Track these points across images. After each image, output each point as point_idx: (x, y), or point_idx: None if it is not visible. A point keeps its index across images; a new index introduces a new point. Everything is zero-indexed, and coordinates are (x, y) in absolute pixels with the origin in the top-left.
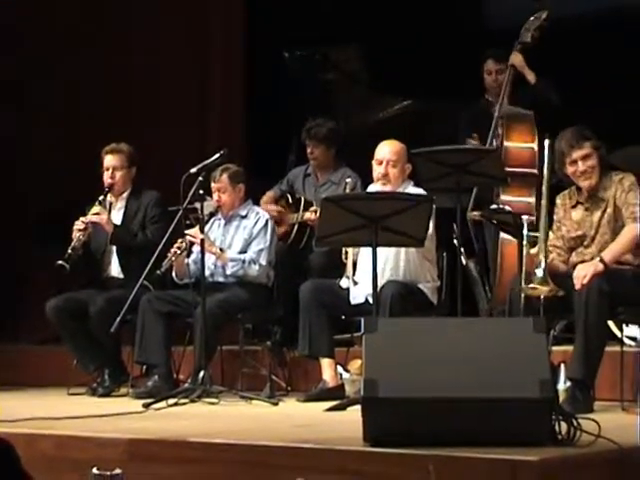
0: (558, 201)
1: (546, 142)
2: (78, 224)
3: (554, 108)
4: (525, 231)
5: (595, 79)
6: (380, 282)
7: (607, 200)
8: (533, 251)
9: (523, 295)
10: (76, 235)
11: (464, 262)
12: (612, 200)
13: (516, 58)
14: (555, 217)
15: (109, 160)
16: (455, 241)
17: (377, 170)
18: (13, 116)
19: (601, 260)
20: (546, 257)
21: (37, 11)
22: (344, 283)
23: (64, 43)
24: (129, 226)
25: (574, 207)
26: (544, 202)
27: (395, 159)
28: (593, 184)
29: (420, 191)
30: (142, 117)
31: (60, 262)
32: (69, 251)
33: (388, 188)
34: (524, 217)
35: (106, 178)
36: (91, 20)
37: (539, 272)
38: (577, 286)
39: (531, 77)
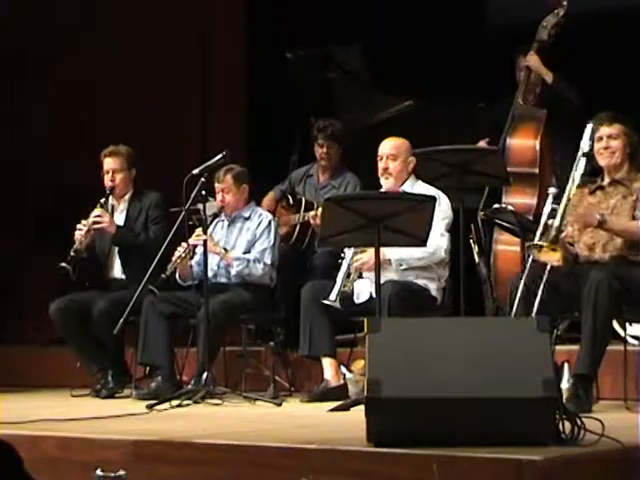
0: (577, 190)
1: (589, 126)
2: (80, 226)
3: (573, 107)
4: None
5: (616, 76)
6: (386, 276)
7: (631, 189)
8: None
9: (532, 258)
10: (77, 237)
11: (477, 260)
12: (637, 192)
13: (531, 59)
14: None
15: (108, 163)
16: (470, 240)
17: (379, 166)
18: (14, 116)
19: (602, 218)
20: (561, 226)
21: (37, 10)
22: (332, 296)
23: (64, 45)
24: (132, 228)
25: (592, 193)
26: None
27: (394, 153)
28: (611, 164)
29: (429, 187)
30: (143, 117)
31: (62, 264)
32: (71, 253)
33: (391, 182)
34: (551, 190)
35: (107, 181)
36: (91, 22)
37: (553, 231)
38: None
39: (548, 77)
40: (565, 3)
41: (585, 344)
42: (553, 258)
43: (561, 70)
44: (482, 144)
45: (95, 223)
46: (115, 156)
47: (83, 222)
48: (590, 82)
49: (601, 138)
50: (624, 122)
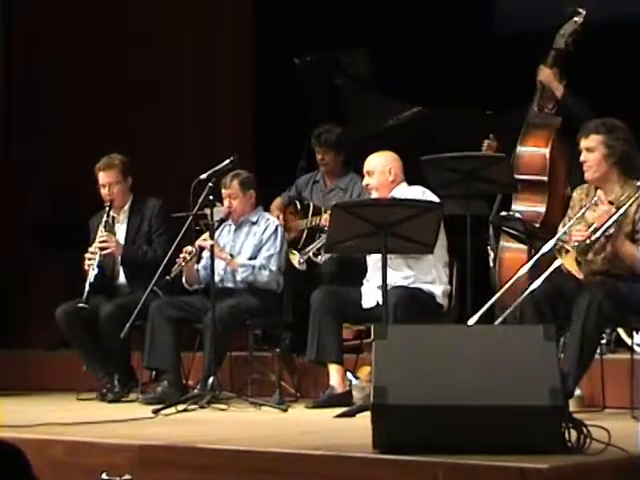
0: (575, 194)
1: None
2: (88, 255)
3: (584, 121)
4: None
5: (632, 85)
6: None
7: (628, 210)
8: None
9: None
10: (89, 270)
11: (492, 265)
12: (633, 210)
13: (543, 74)
14: (569, 211)
15: (103, 177)
16: (488, 247)
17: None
18: (18, 118)
19: (618, 232)
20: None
21: (36, 12)
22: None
23: (68, 51)
24: (134, 239)
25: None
26: None
27: (371, 169)
28: (590, 178)
29: (415, 189)
30: (151, 123)
31: (80, 305)
32: (87, 289)
33: (374, 196)
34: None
35: (104, 195)
36: (93, 24)
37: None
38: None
39: (558, 92)
40: (583, 11)
41: (570, 361)
42: (574, 268)
43: (570, 82)
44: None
45: (102, 249)
46: (109, 169)
47: (91, 250)
48: (605, 90)
49: (580, 151)
50: (603, 131)
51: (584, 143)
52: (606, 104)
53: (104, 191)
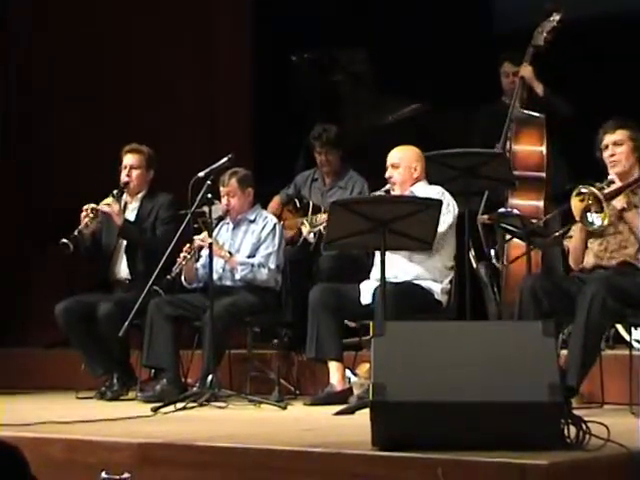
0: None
1: None
2: (86, 207)
3: (565, 119)
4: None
5: (614, 83)
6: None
7: None
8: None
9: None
10: (84, 219)
11: (474, 265)
12: None
13: (525, 70)
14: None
15: (128, 159)
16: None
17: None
18: (18, 117)
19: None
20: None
21: (36, 12)
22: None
23: (72, 49)
24: (141, 225)
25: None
26: None
27: (397, 162)
28: (620, 171)
29: (434, 188)
30: (150, 122)
31: (64, 240)
32: (75, 233)
33: (396, 190)
34: None
35: (123, 176)
36: (93, 24)
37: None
38: None
39: (539, 90)
40: (561, 9)
41: (574, 358)
42: (577, 212)
43: (547, 80)
44: None
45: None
46: (135, 153)
47: (92, 205)
48: (583, 87)
49: (607, 147)
50: (627, 126)
51: (611, 137)
52: (580, 101)
53: (124, 172)
